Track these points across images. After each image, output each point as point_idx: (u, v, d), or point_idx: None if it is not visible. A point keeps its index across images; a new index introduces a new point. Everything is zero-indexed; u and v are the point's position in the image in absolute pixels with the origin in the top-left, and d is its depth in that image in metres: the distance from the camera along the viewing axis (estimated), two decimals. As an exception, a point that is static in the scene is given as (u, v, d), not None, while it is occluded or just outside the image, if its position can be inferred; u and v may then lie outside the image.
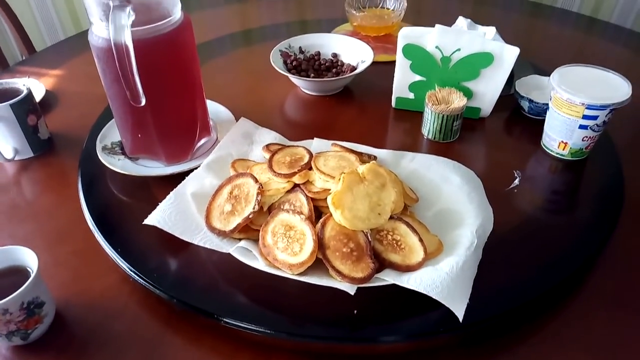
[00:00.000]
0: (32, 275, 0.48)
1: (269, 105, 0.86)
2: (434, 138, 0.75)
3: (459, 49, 0.73)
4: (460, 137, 0.76)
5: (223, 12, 1.26)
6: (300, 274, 0.50)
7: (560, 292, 0.55)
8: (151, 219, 0.55)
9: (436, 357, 0.50)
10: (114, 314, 0.54)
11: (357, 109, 0.85)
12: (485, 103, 0.78)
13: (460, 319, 0.47)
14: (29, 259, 0.50)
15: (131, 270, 0.56)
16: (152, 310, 0.54)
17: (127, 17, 0.52)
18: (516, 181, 0.67)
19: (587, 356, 0.49)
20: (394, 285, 0.50)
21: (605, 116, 0.66)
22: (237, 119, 0.75)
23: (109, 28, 0.52)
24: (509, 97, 0.82)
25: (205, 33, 1.11)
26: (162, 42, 0.58)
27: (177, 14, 0.59)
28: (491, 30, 0.86)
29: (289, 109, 0.86)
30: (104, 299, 0.55)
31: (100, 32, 0.57)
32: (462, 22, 0.92)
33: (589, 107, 0.65)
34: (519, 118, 0.81)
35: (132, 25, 0.54)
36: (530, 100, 0.77)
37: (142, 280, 0.55)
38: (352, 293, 0.48)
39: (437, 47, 0.74)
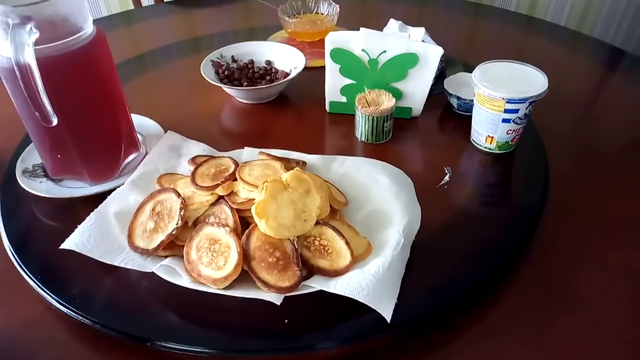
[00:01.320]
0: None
1: (205, 116, 0.85)
2: (367, 140, 0.76)
3: (384, 51, 0.74)
4: (393, 138, 0.77)
5: (166, 22, 1.23)
6: (226, 288, 0.49)
7: (491, 282, 0.56)
8: (68, 243, 0.53)
9: (375, 358, 0.49)
10: (39, 345, 0.51)
11: (293, 115, 0.85)
12: (416, 102, 0.79)
13: (388, 319, 0.47)
14: None
15: (52, 298, 0.53)
16: (80, 338, 0.52)
17: (28, 35, 0.50)
18: (446, 177, 0.68)
19: (519, 346, 0.50)
20: (325, 291, 0.49)
21: (526, 109, 0.68)
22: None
23: (10, 47, 0.50)
24: (441, 95, 0.83)
25: (145, 44, 1.08)
26: (72, 58, 0.56)
27: (88, 29, 0.57)
28: (420, 31, 0.88)
29: (225, 119, 0.85)
30: (28, 330, 0.53)
31: (4, 52, 0.54)
32: (393, 24, 0.93)
33: (509, 101, 0.67)
34: (450, 115, 0.82)
35: (38, 43, 0.52)
36: (459, 98, 0.79)
37: (64, 308, 0.52)
38: (278, 303, 0.48)
39: (363, 50, 0.74)
